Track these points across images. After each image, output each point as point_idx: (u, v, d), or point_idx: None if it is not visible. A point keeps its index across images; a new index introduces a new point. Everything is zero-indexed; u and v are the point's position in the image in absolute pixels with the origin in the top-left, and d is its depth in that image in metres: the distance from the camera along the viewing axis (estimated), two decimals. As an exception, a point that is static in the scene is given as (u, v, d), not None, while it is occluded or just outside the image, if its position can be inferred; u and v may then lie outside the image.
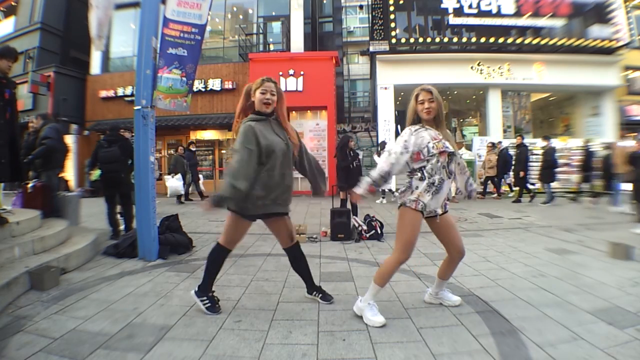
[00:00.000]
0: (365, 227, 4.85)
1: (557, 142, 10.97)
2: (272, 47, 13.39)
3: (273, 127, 2.32)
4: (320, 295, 2.59)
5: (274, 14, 13.55)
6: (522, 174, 8.85)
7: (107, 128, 5.52)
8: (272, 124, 2.34)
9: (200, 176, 10.69)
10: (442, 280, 2.47)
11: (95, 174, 4.90)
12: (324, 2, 16.91)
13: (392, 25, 11.54)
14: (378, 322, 2.18)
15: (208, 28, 13.43)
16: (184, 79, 4.07)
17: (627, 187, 5.58)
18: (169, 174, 9.88)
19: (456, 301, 2.49)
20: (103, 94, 13.28)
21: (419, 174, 2.21)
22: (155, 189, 3.98)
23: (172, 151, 10.73)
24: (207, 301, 2.40)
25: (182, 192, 9.44)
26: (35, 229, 3.68)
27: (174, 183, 9.33)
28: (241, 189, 2.11)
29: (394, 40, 11.59)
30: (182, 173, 9.41)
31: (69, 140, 5.42)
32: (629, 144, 7.10)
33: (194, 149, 10.41)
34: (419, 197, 2.17)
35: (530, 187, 9.14)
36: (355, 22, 22.21)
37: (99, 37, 4.38)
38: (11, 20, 15.74)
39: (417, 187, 2.20)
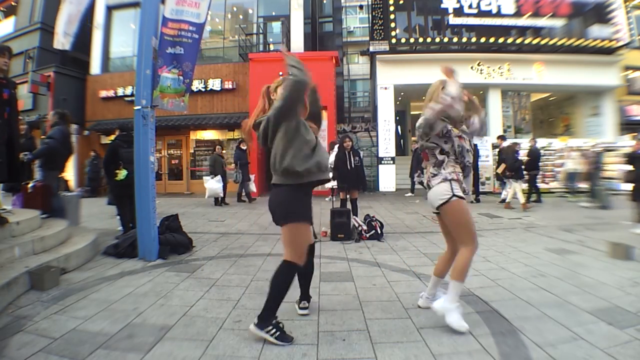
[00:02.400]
0: (365, 227, 4.85)
1: (557, 143, 11.00)
2: (272, 47, 13.37)
3: None
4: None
5: (274, 14, 13.54)
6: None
7: (116, 128, 5.23)
8: None
9: (251, 176, 9.84)
10: (438, 278, 2.45)
11: (122, 173, 4.76)
12: (324, 2, 16.88)
13: (392, 25, 11.54)
14: (464, 327, 2.10)
15: (208, 28, 13.46)
16: (181, 77, 4.07)
17: (627, 187, 5.56)
18: (210, 174, 9.12)
19: None
20: (103, 94, 13.26)
21: (440, 156, 2.33)
22: (155, 188, 3.98)
23: (219, 147, 9.62)
24: (273, 330, 2.01)
25: (221, 195, 8.88)
26: (35, 229, 3.68)
27: (213, 185, 8.75)
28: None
29: (394, 40, 11.60)
30: (221, 174, 8.86)
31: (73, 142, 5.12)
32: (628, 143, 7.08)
33: (244, 148, 9.46)
34: (452, 173, 2.25)
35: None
36: (355, 22, 22.19)
37: (65, 35, 4.25)
38: (11, 20, 15.72)
39: (443, 165, 2.31)
